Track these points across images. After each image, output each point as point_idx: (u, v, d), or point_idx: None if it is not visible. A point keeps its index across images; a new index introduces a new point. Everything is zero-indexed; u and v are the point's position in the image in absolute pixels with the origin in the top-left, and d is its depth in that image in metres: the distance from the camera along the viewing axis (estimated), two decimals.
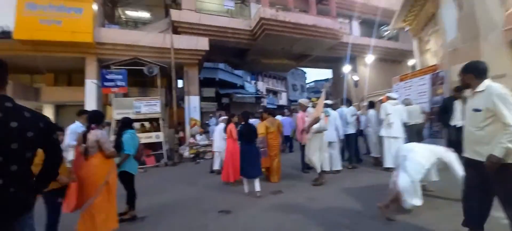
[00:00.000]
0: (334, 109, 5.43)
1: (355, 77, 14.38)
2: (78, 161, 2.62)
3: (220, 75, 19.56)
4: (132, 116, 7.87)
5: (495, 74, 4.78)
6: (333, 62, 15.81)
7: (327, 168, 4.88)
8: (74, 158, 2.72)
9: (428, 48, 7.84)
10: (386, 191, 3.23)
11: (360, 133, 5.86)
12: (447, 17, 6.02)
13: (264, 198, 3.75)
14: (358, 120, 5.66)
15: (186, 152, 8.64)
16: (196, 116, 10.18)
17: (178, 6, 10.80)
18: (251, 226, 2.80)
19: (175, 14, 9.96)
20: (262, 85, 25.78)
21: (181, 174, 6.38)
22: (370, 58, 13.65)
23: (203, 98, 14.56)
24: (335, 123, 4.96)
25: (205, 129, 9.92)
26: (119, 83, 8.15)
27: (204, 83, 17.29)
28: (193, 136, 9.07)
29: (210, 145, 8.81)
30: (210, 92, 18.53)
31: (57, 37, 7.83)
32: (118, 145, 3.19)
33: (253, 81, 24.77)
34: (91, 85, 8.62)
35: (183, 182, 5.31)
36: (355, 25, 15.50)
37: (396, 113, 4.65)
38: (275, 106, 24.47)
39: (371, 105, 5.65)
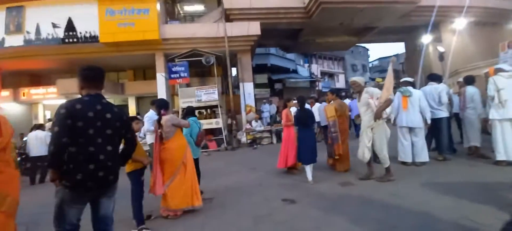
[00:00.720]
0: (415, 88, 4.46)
1: (441, 48, 11.60)
2: (157, 145, 2.87)
3: (272, 61, 19.26)
4: (194, 104, 8.56)
5: None
6: (406, 33, 13.28)
7: (408, 159, 4.11)
8: (154, 142, 2.98)
9: None
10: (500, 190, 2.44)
11: (453, 116, 4.70)
12: None
13: (332, 189, 3.40)
14: (450, 100, 4.50)
15: (244, 137, 8.87)
16: (251, 102, 10.27)
17: None
18: (323, 222, 2.45)
19: (227, 2, 10.04)
20: (316, 68, 24.26)
21: (242, 159, 6.55)
22: (461, 22, 10.72)
23: (256, 85, 14.63)
24: (419, 104, 4.06)
25: (260, 115, 9.97)
26: (182, 74, 8.86)
27: (256, 70, 17.32)
28: (249, 122, 9.21)
29: (266, 131, 8.82)
30: (262, 78, 18.52)
31: (132, 37, 8.96)
32: None
33: (306, 65, 23.54)
34: (161, 78, 9.66)
35: (244, 167, 5.40)
36: None
37: (511, 89, 3.46)
38: (330, 89, 22.85)
39: (469, 80, 4.40)
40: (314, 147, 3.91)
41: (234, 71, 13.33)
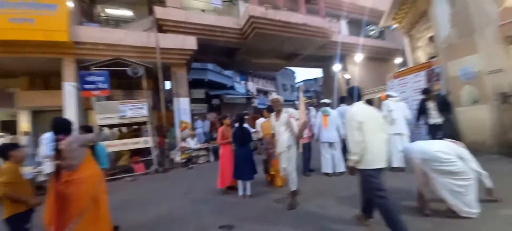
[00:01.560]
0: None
1: (347, 76, 14.48)
2: (54, 180, 2.21)
3: (209, 76, 19.05)
4: (117, 120, 7.39)
5: (492, 69, 4.87)
6: (323, 61, 15.81)
7: (330, 170, 4.71)
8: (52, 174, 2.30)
9: (420, 45, 7.90)
10: (401, 193, 3.08)
11: None
12: (440, 13, 6.04)
13: (270, 208, 3.47)
14: None
15: (178, 157, 8.18)
16: (187, 118, 9.70)
17: (162, 4, 10.25)
18: None
19: (159, 12, 9.44)
20: (252, 86, 25.49)
21: (175, 182, 5.95)
22: (359, 57, 13.82)
23: (193, 100, 14.04)
24: (336, 122, 4.78)
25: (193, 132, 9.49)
26: (100, 85, 7.54)
27: (194, 84, 16.74)
28: (184, 139, 8.61)
29: (202, 149, 8.45)
30: (200, 93, 18.00)
31: (29, 37, 7.08)
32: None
33: (243, 82, 24.41)
34: (69, 88, 7.93)
35: (178, 191, 4.91)
36: (344, 24, 15.60)
37: (398, 110, 4.55)
38: (266, 106, 24.32)
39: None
40: (252, 163, 4.01)
41: (168, 85, 12.42)
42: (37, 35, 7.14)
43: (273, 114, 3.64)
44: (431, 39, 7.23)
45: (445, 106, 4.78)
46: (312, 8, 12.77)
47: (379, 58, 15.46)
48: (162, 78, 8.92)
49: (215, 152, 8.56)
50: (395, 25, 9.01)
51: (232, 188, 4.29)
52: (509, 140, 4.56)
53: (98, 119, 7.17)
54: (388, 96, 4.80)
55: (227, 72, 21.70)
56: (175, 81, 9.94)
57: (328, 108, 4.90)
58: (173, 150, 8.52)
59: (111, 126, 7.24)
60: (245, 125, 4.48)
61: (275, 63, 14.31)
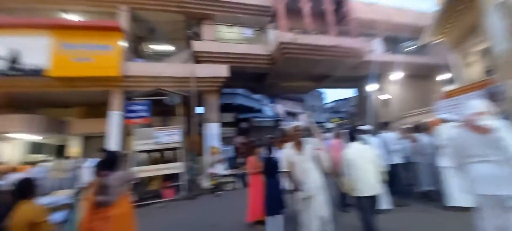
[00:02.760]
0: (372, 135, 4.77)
1: (384, 96, 13.45)
2: (88, 216, 2.22)
3: (238, 100, 19.60)
4: (153, 146, 7.83)
5: None
6: (356, 81, 15.11)
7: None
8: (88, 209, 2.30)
9: (472, 60, 7.04)
10: None
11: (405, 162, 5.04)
12: (493, 26, 5.35)
13: None
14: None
15: (206, 183, 8.23)
16: (216, 143, 9.89)
17: (199, 38, 11.16)
18: None
19: (196, 45, 10.24)
20: (280, 108, 25.42)
21: (203, 211, 5.87)
22: (397, 75, 12.85)
23: (222, 124, 14.44)
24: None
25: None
26: (142, 113, 8.24)
27: (223, 108, 17.30)
28: (213, 165, 8.70)
29: (230, 175, 8.38)
30: (228, 117, 18.49)
31: (89, 73, 8.24)
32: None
33: (271, 104, 24.54)
34: (115, 116, 8.81)
35: (206, 222, 4.72)
36: (378, 42, 14.94)
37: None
38: (281, 135, 23.81)
39: (418, 128, 4.93)
40: (279, 196, 3.64)
41: (201, 110, 13.05)
42: (94, 72, 8.26)
43: (290, 146, 3.03)
44: (485, 53, 6.41)
45: None
46: (343, 29, 12.59)
47: (421, 75, 14.20)
48: (195, 105, 9.40)
49: (243, 178, 8.42)
50: (439, 40, 8.27)
51: (263, 223, 4.04)
52: None
53: (136, 144, 7.70)
54: (442, 120, 4.16)
55: (255, 96, 22.09)
56: (206, 107, 10.40)
57: (366, 137, 4.45)
58: (201, 176, 8.62)
59: (147, 151, 7.68)
60: (275, 154, 4.29)
61: (305, 85, 14.16)
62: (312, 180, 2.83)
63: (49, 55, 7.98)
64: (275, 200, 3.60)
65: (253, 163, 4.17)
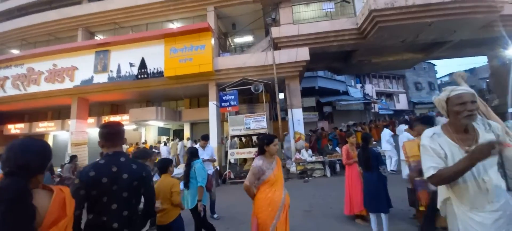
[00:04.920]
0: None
1: None
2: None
3: (319, 83, 18.55)
4: (243, 132, 8.65)
5: None
6: (488, 46, 11.06)
7: None
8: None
9: None
10: None
11: None
12: None
13: None
14: None
15: (293, 167, 8.35)
16: (300, 129, 9.79)
17: (277, 24, 11.11)
18: None
19: (275, 31, 10.24)
20: (371, 89, 22.20)
21: (294, 195, 5.91)
22: None
23: (303, 109, 14.17)
24: None
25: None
26: (232, 102, 9.16)
27: (303, 93, 16.90)
28: (298, 150, 8.69)
29: (318, 162, 8.13)
30: (310, 102, 17.87)
31: (190, 71, 9.88)
32: (188, 176, 3.20)
33: (359, 85, 21.82)
34: (212, 106, 10.22)
35: (298, 207, 4.70)
36: None
37: None
38: (392, 112, 20.32)
39: None
40: (380, 192, 3.25)
41: (281, 96, 13.24)
42: (193, 69, 9.80)
43: (440, 129, 1.46)
44: None
45: None
46: None
47: None
48: (277, 91, 9.56)
49: (331, 166, 7.99)
50: None
51: (362, 218, 3.69)
52: None
53: (230, 130, 8.70)
54: None
55: (339, 77, 20.26)
56: (288, 93, 10.37)
57: None
58: (288, 160, 8.79)
59: (239, 136, 8.57)
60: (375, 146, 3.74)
61: (406, 59, 11.62)
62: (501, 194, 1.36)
63: (163, 60, 10.06)
64: (378, 196, 3.20)
65: (347, 152, 3.81)
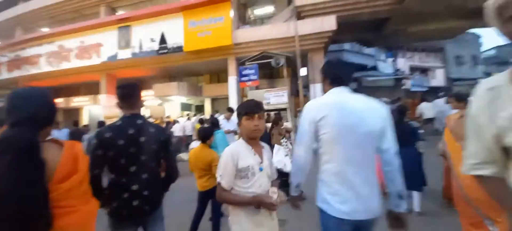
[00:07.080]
0: None
1: None
2: None
3: (346, 57, 17.33)
4: (264, 107, 8.44)
5: None
6: None
7: None
8: None
9: None
10: None
11: None
12: None
13: None
14: None
15: None
16: None
17: None
18: None
19: None
20: (404, 63, 20.23)
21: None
22: None
23: None
24: None
25: None
26: (252, 77, 8.86)
27: None
28: None
29: None
30: None
31: (209, 45, 9.65)
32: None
33: (390, 59, 19.99)
34: (232, 81, 10.05)
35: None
36: None
37: None
38: (425, 89, 18.56)
39: None
40: (415, 169, 3.06)
41: (304, 71, 12.60)
42: (212, 43, 9.54)
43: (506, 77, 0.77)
44: None
45: None
46: None
47: None
48: (300, 65, 9.03)
49: None
50: None
51: None
52: None
53: None
54: None
55: (367, 51, 18.66)
56: (311, 67, 9.77)
57: None
58: None
59: None
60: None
61: (449, 27, 10.18)
62: None
63: (183, 34, 9.89)
64: (412, 174, 2.89)
65: None
